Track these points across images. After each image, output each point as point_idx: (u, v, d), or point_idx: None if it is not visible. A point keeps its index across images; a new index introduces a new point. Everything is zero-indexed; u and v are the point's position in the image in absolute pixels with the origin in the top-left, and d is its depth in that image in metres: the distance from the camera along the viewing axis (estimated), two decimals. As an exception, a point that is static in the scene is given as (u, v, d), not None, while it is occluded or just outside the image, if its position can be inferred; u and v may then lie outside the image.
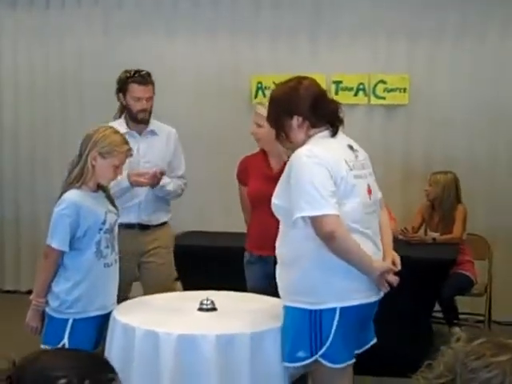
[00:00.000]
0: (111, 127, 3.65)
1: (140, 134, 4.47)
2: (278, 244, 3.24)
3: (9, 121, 7.14)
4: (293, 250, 3.12)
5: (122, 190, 4.13)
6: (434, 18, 6.20)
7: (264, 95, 6.57)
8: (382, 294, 3.20)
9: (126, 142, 3.47)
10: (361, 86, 6.36)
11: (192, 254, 5.00)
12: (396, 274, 3.21)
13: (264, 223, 4.13)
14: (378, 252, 3.18)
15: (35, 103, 7.08)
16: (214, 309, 3.46)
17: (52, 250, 3.35)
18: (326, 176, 3.00)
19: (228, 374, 3.15)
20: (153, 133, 4.50)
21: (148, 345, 3.16)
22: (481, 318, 5.90)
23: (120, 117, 4.52)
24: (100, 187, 3.48)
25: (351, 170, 3.09)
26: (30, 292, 6.87)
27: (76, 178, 3.36)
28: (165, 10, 6.72)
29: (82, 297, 3.37)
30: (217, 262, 5.13)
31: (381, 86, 6.32)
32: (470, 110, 6.22)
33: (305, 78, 3.28)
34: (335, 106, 3.22)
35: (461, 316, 5.73)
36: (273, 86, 6.36)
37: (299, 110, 3.14)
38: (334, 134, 3.18)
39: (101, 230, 3.38)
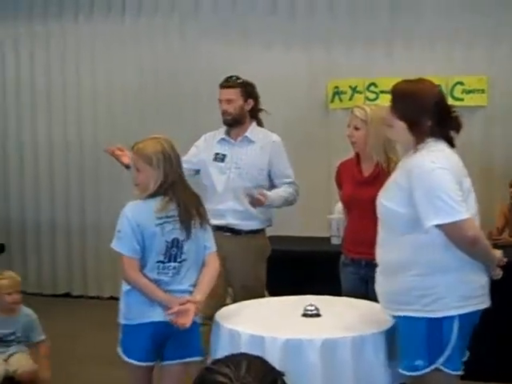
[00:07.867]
0: None
1: (235, 139, 4.50)
2: (380, 252, 3.18)
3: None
4: (405, 257, 3.05)
5: None
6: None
7: (340, 100, 6.59)
8: (489, 303, 3.15)
9: None
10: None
11: (274, 258, 5.01)
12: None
13: (355, 227, 4.17)
14: None
15: (113, 116, 7.28)
16: (318, 315, 3.46)
17: None
18: (454, 183, 2.98)
19: (332, 379, 3.15)
20: (248, 140, 4.49)
21: (254, 349, 3.10)
22: None
23: None
24: None
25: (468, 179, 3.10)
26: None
27: None
28: (241, 17, 6.81)
29: None
30: (301, 266, 5.18)
31: (459, 88, 6.28)
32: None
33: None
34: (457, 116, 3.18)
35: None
36: (349, 91, 6.46)
37: (429, 113, 3.10)
38: (451, 145, 3.16)
39: None
